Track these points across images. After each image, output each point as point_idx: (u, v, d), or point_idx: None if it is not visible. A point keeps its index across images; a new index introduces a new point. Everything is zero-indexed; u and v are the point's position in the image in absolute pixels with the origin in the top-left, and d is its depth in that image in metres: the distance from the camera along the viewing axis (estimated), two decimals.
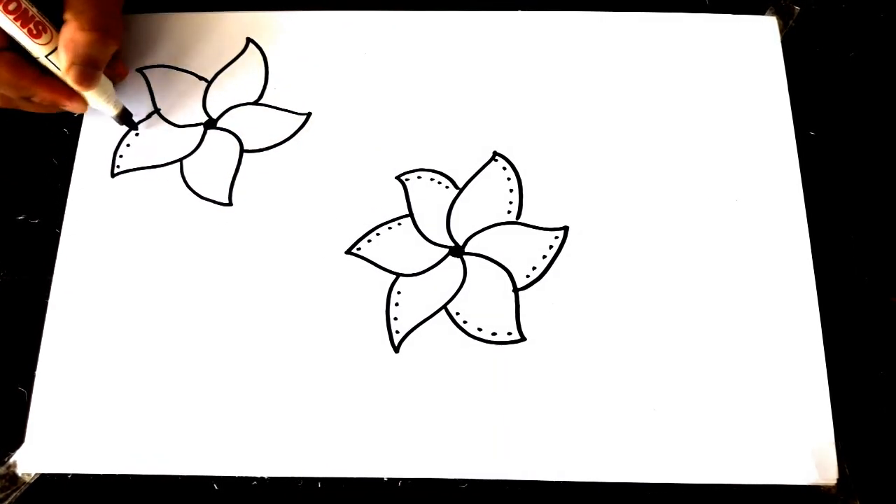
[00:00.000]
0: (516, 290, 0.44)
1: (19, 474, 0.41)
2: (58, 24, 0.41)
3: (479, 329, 0.43)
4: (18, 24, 0.40)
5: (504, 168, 0.46)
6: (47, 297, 0.44)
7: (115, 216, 0.45)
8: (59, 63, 0.42)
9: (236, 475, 0.41)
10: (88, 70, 0.42)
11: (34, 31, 0.41)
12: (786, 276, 0.44)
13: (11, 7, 0.40)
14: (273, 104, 0.48)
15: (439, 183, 0.46)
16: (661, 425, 0.41)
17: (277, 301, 0.43)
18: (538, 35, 0.49)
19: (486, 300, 0.43)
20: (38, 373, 0.42)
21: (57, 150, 0.47)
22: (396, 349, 0.43)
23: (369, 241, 0.45)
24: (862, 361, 0.44)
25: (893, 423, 0.43)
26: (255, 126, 0.47)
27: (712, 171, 0.46)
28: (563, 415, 0.41)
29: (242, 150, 0.47)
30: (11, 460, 0.41)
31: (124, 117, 0.46)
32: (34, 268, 0.45)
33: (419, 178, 0.46)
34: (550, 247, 0.45)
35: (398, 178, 0.46)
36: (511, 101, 0.48)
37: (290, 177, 0.46)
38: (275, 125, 0.47)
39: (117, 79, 0.47)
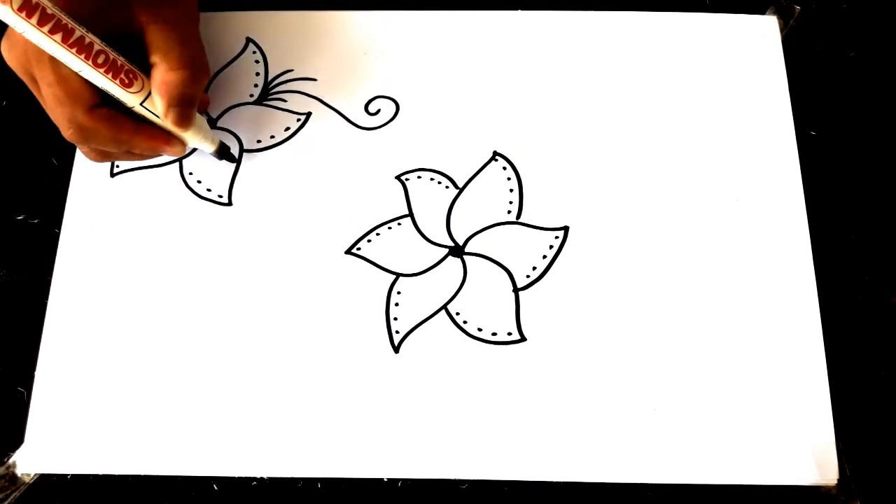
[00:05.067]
0: (516, 290, 0.44)
1: (19, 474, 0.41)
2: (143, 69, 0.40)
3: (479, 329, 0.43)
4: (109, 75, 0.38)
5: (504, 168, 0.46)
6: (47, 297, 0.43)
7: (114, 216, 0.45)
8: (155, 108, 0.40)
9: (236, 475, 0.41)
10: (186, 110, 0.41)
11: (126, 81, 0.39)
12: (786, 276, 0.44)
13: (100, 60, 0.38)
14: (273, 104, 0.48)
15: (439, 183, 0.46)
16: (661, 425, 0.41)
17: (277, 301, 0.43)
18: (538, 35, 0.49)
19: (486, 300, 0.43)
20: (37, 373, 0.42)
21: (57, 150, 0.47)
22: (396, 349, 0.42)
23: (369, 241, 0.45)
24: (862, 361, 0.44)
25: (893, 423, 0.43)
26: (255, 126, 0.47)
27: (712, 171, 0.46)
28: (563, 415, 0.41)
29: (242, 150, 0.47)
30: (11, 460, 0.41)
31: (222, 152, 0.45)
32: (34, 268, 0.45)
33: (419, 178, 0.46)
34: (550, 247, 0.45)
35: (398, 178, 0.46)
36: (511, 101, 0.48)
37: (290, 177, 0.46)
38: (275, 125, 0.47)
39: (201, 108, 0.46)
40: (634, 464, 0.40)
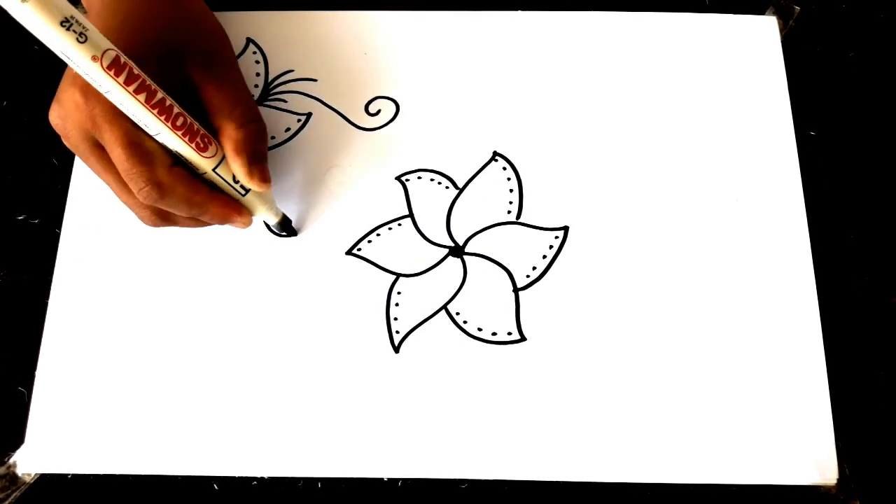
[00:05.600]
0: (516, 290, 0.44)
1: (19, 474, 0.41)
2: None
3: (479, 329, 0.43)
4: (186, 139, 0.37)
5: (504, 168, 0.46)
6: (47, 297, 0.44)
7: (115, 216, 0.45)
8: (234, 170, 0.39)
9: (236, 475, 0.41)
10: (264, 166, 0.40)
11: (201, 145, 0.38)
12: (786, 277, 0.44)
13: (179, 122, 0.36)
14: (273, 104, 0.48)
15: (439, 183, 0.46)
16: (661, 425, 0.41)
17: (278, 301, 0.43)
18: (538, 35, 0.49)
19: (486, 300, 0.43)
20: (38, 373, 0.42)
21: (57, 150, 0.47)
22: (396, 349, 0.43)
23: (369, 241, 0.45)
24: (862, 361, 0.44)
25: (893, 423, 0.43)
26: None
27: (712, 171, 0.46)
28: (563, 415, 0.41)
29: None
30: (11, 460, 0.41)
31: (284, 224, 0.44)
32: (34, 268, 0.45)
33: (419, 178, 0.46)
34: (550, 247, 0.45)
35: (398, 178, 0.46)
36: (511, 101, 0.48)
37: (290, 177, 0.46)
38: (275, 125, 0.47)
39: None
40: (634, 464, 0.40)
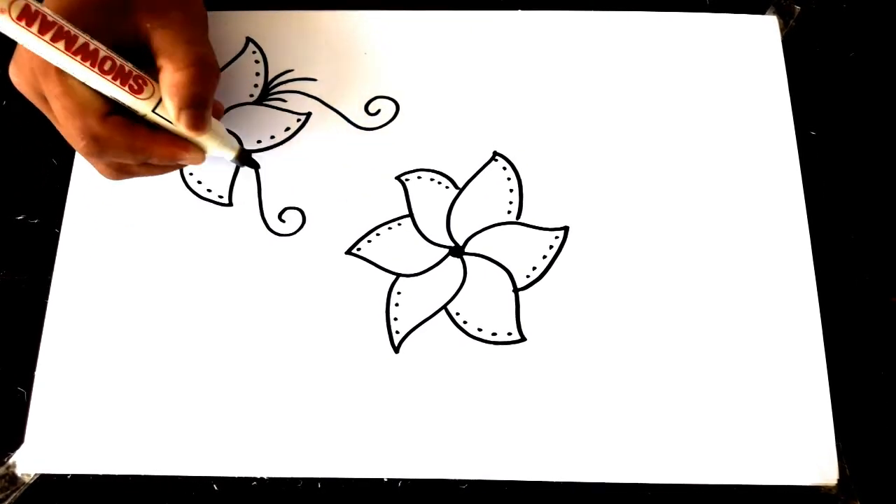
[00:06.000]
0: (516, 291, 0.44)
1: (19, 474, 0.41)
2: (154, 77, 0.39)
3: (479, 329, 0.43)
4: (118, 82, 0.37)
5: (504, 168, 0.46)
6: (47, 297, 0.43)
7: (114, 216, 0.45)
8: (168, 113, 0.39)
9: (236, 475, 0.41)
10: (199, 111, 0.39)
11: (135, 87, 0.37)
12: (786, 276, 0.44)
13: (107, 66, 0.36)
14: (273, 104, 0.48)
15: (439, 183, 0.46)
16: (661, 425, 0.41)
17: (277, 301, 0.43)
18: (538, 35, 0.49)
19: (486, 300, 0.43)
20: (37, 373, 0.42)
21: (57, 150, 0.47)
22: (396, 349, 0.42)
23: (369, 241, 0.45)
24: (862, 361, 0.44)
25: (893, 423, 0.43)
26: (255, 126, 0.47)
27: (712, 170, 0.46)
28: (563, 415, 0.41)
29: (242, 149, 0.47)
30: (11, 460, 0.41)
31: (243, 157, 0.43)
32: (34, 268, 0.45)
33: (419, 178, 0.46)
34: (550, 247, 0.45)
35: (398, 178, 0.46)
36: (511, 101, 0.48)
37: (289, 177, 0.46)
38: (275, 125, 0.47)
39: (216, 115, 0.44)
40: (634, 464, 0.40)
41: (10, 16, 0.33)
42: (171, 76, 0.38)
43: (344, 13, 0.50)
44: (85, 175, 0.46)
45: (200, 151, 0.41)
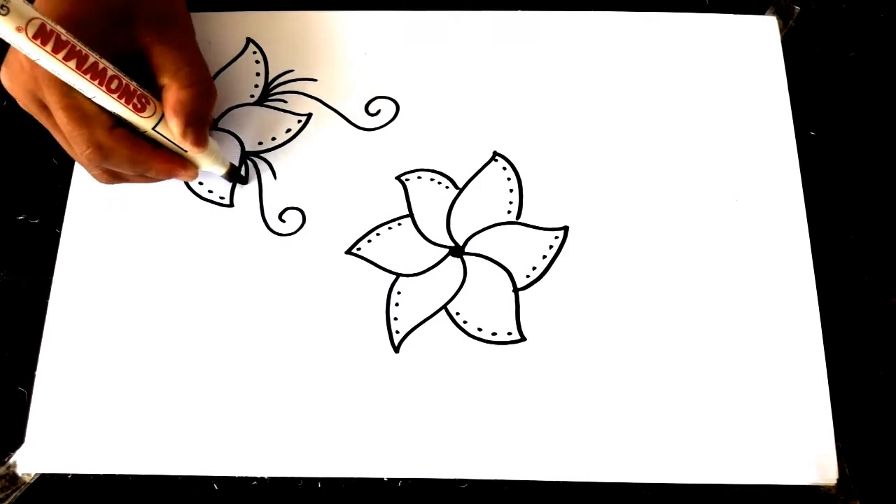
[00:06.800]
0: (516, 290, 0.44)
1: (19, 474, 0.41)
2: (149, 91, 0.40)
3: (479, 329, 0.43)
4: (122, 101, 0.38)
5: (504, 168, 0.46)
6: (47, 297, 0.44)
7: (115, 216, 0.45)
8: (168, 131, 0.40)
9: (236, 475, 0.41)
10: (201, 129, 0.41)
11: (138, 106, 0.39)
12: (786, 276, 0.44)
13: (114, 85, 0.37)
14: (273, 104, 0.48)
15: (439, 183, 0.46)
16: (661, 425, 0.41)
17: (278, 301, 0.43)
18: (538, 35, 0.49)
19: (486, 300, 0.43)
20: (38, 373, 0.42)
21: (57, 150, 0.47)
22: (396, 349, 0.43)
23: (369, 241, 0.45)
24: (862, 361, 0.44)
25: (893, 423, 0.43)
26: (255, 126, 0.47)
27: (712, 171, 0.46)
28: (563, 415, 0.41)
29: (243, 150, 0.47)
30: (11, 460, 0.41)
31: (233, 174, 0.45)
32: (34, 268, 0.45)
33: (419, 178, 0.46)
34: (550, 247, 0.45)
35: (398, 178, 0.46)
36: (511, 101, 0.48)
37: (290, 177, 0.46)
38: (275, 126, 0.47)
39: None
40: (634, 464, 0.40)
41: (27, 34, 0.34)
42: (175, 95, 0.40)
43: (344, 13, 0.50)
44: (85, 176, 0.46)
45: (195, 167, 0.43)
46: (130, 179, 0.43)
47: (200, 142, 0.41)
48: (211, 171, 0.44)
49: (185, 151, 0.42)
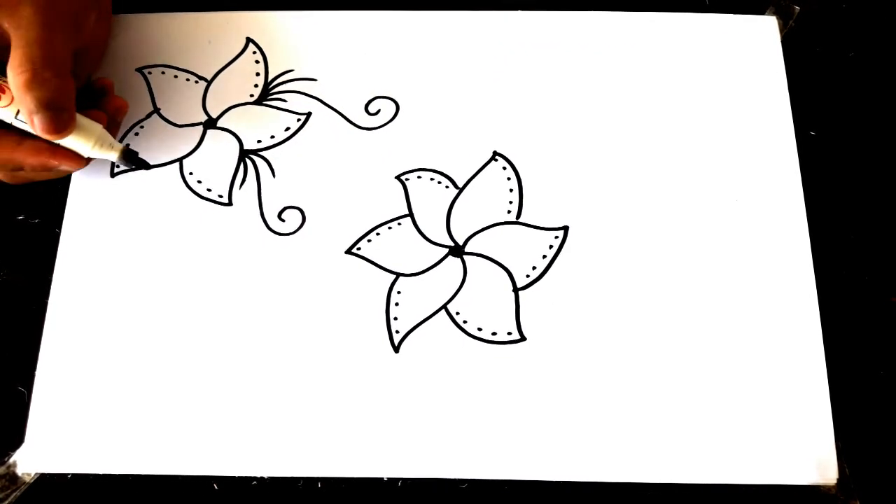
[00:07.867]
0: (516, 290, 0.44)
1: (19, 474, 0.41)
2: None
3: (479, 329, 0.43)
4: None
5: (504, 168, 0.46)
6: (47, 297, 0.43)
7: (115, 216, 0.45)
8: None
9: (236, 475, 0.41)
10: (53, 114, 0.37)
11: None
12: (786, 276, 0.44)
13: None
14: (273, 104, 0.48)
15: (439, 183, 0.46)
16: (661, 425, 0.41)
17: (277, 301, 0.43)
18: (538, 35, 0.49)
19: (486, 300, 0.43)
20: (38, 373, 0.42)
21: None
22: (396, 349, 0.43)
23: (369, 240, 0.45)
24: (862, 361, 0.44)
25: (893, 423, 0.43)
26: (255, 126, 0.47)
27: (712, 171, 0.46)
28: (563, 415, 0.41)
29: (242, 150, 0.47)
30: (11, 460, 0.41)
31: (129, 157, 0.42)
32: (34, 268, 0.45)
33: (419, 178, 0.46)
34: (550, 247, 0.45)
35: (398, 178, 0.46)
36: (511, 101, 0.48)
37: (290, 177, 0.46)
38: (275, 125, 0.47)
39: (119, 115, 0.43)
40: (634, 463, 0.40)
41: None
42: (13, 80, 0.37)
43: (344, 13, 0.50)
44: (85, 175, 0.46)
45: (77, 157, 0.40)
46: (30, 176, 0.40)
47: (52, 128, 0.37)
48: (101, 156, 0.41)
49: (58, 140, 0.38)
